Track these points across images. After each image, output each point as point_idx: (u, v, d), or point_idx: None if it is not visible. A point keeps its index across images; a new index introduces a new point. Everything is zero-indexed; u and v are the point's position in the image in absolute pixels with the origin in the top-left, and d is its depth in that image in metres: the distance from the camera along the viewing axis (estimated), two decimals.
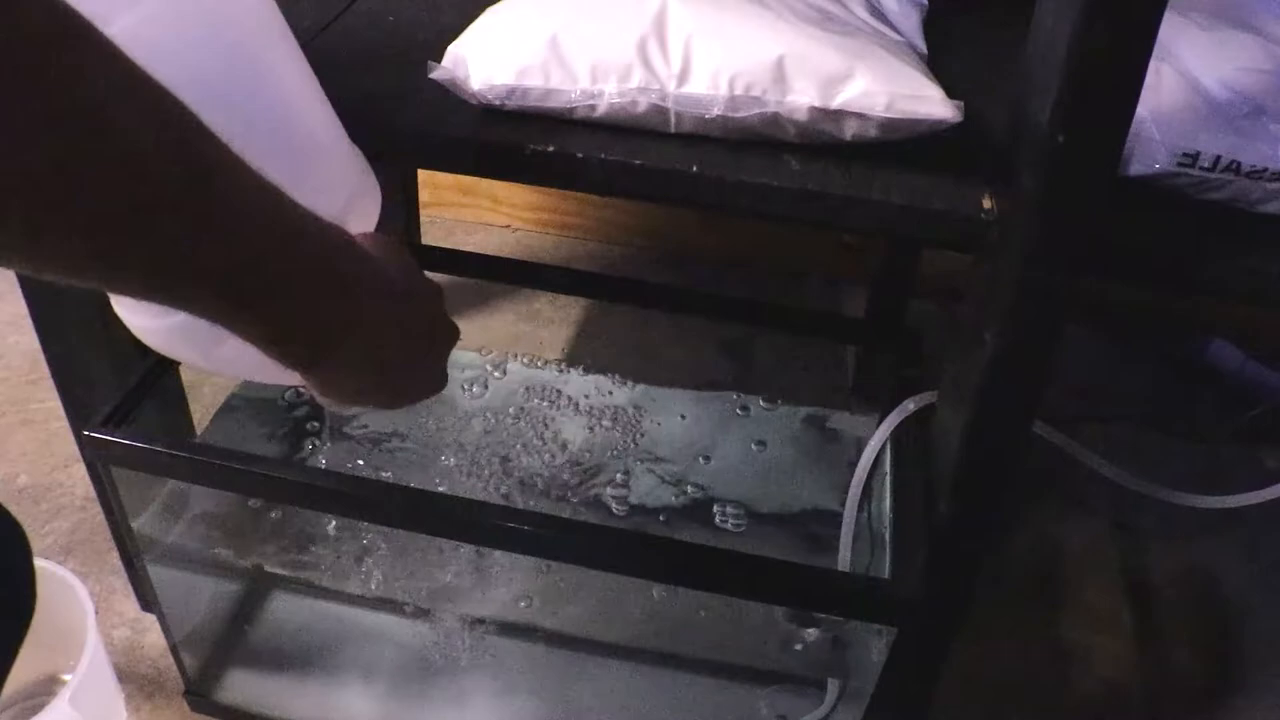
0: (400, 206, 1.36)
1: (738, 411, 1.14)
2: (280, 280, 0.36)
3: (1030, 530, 1.22)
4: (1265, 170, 0.64)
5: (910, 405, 0.83)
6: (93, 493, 1.13)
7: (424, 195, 1.49)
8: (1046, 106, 0.54)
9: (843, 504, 0.89)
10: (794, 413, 1.13)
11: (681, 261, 1.55)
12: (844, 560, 0.87)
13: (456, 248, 1.33)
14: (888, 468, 0.87)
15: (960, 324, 0.71)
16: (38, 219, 0.28)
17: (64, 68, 0.28)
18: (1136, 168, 0.65)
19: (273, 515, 0.98)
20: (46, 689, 0.98)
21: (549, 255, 1.58)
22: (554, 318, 1.46)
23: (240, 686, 0.99)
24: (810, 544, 1.02)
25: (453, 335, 0.52)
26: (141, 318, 0.60)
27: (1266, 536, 1.22)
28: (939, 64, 0.71)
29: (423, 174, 1.45)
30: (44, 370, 0.91)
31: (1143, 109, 0.61)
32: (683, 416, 1.12)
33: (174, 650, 0.95)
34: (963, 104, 0.65)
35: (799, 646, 0.91)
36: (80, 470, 1.18)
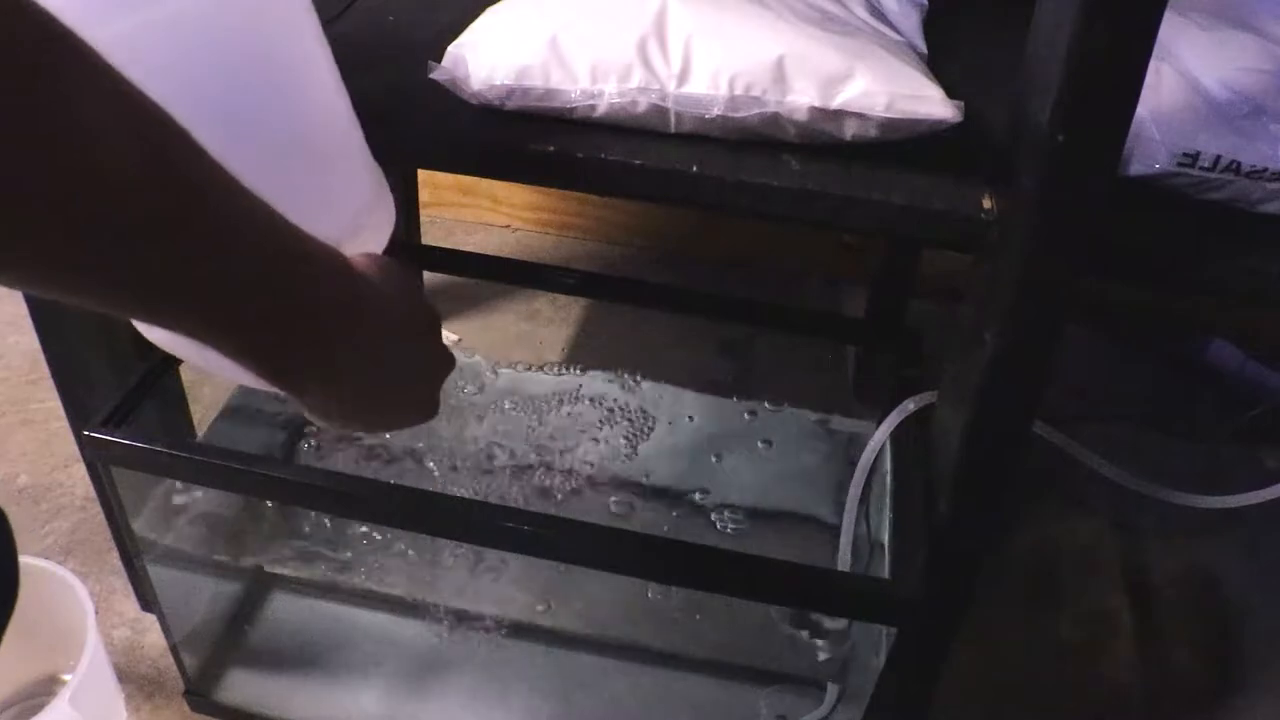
0: (400, 206, 1.36)
1: (739, 412, 1.14)
2: (268, 303, 0.36)
3: (1030, 530, 1.22)
4: (1265, 170, 0.64)
5: (910, 405, 0.83)
6: (93, 493, 1.13)
7: (424, 195, 1.49)
8: (1046, 106, 0.54)
9: (843, 504, 0.89)
10: (794, 413, 1.13)
11: (681, 261, 1.55)
12: (844, 560, 0.87)
13: (456, 248, 1.33)
14: (888, 468, 0.87)
15: (960, 324, 0.71)
16: (15, 236, 0.28)
17: (46, 83, 0.27)
18: (1136, 168, 0.65)
19: (273, 515, 0.98)
20: (46, 689, 0.98)
21: (549, 255, 1.58)
22: (554, 318, 1.46)
23: (240, 686, 0.99)
24: (810, 544, 1.02)
25: (447, 363, 0.51)
26: None
27: (1266, 536, 1.22)
28: (939, 64, 0.71)
29: (423, 174, 1.45)
30: (44, 370, 0.91)
31: (1143, 109, 0.61)
32: (691, 418, 1.12)
33: (174, 650, 0.95)
34: (963, 104, 0.65)
35: (802, 647, 0.91)
36: (80, 470, 1.18)
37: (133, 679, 1.02)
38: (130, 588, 1.07)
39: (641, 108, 0.66)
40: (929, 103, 0.64)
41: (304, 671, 0.99)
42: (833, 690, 0.95)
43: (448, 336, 1.40)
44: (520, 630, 0.99)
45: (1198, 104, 0.68)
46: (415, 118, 0.69)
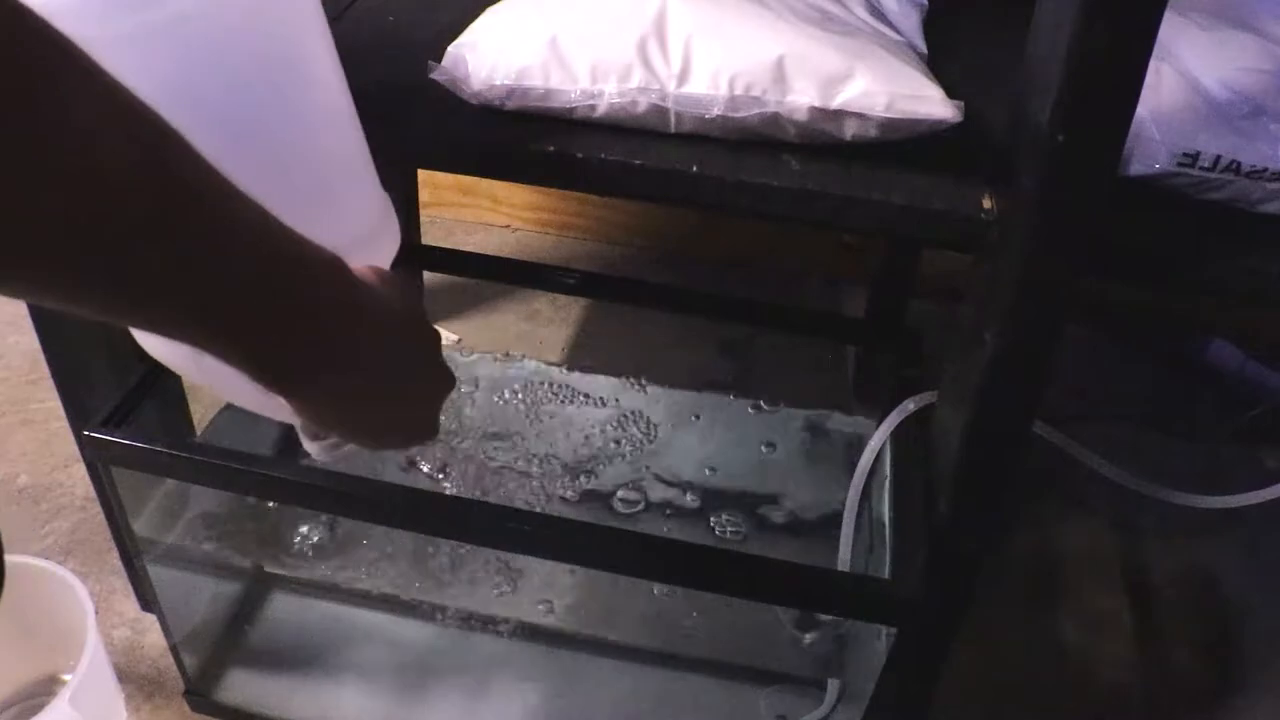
0: (400, 206, 1.36)
1: (740, 412, 1.14)
2: (264, 306, 0.36)
3: (1030, 530, 1.22)
4: (1265, 170, 0.64)
5: (910, 405, 0.83)
6: (93, 493, 1.13)
7: (424, 195, 1.49)
8: (1046, 106, 0.54)
9: (843, 504, 0.89)
10: (794, 413, 1.13)
11: (681, 261, 1.55)
12: (844, 560, 0.87)
13: (456, 248, 1.33)
14: (888, 468, 0.87)
15: (960, 324, 0.71)
16: (9, 240, 0.28)
17: (41, 87, 0.27)
18: (1136, 168, 0.65)
19: (273, 515, 0.98)
20: (46, 689, 0.98)
21: (549, 255, 1.58)
22: (554, 318, 1.46)
23: (240, 686, 0.99)
24: (810, 544, 1.02)
25: (448, 382, 0.51)
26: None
27: (1266, 536, 1.22)
28: (939, 64, 0.71)
29: (423, 174, 1.45)
30: (44, 370, 0.91)
31: (1143, 109, 0.61)
32: (693, 418, 1.12)
33: (174, 650, 0.95)
34: (963, 104, 0.65)
35: (801, 646, 0.91)
36: (80, 470, 1.18)
37: (133, 679, 1.02)
38: (130, 588, 1.07)
39: (641, 108, 0.66)
40: (929, 103, 0.64)
41: (304, 671, 0.99)
42: (833, 690, 0.95)
43: (448, 336, 1.40)
44: (520, 630, 0.99)
45: (1198, 104, 0.68)
46: (415, 118, 0.69)
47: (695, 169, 0.65)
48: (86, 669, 0.85)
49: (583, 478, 1.06)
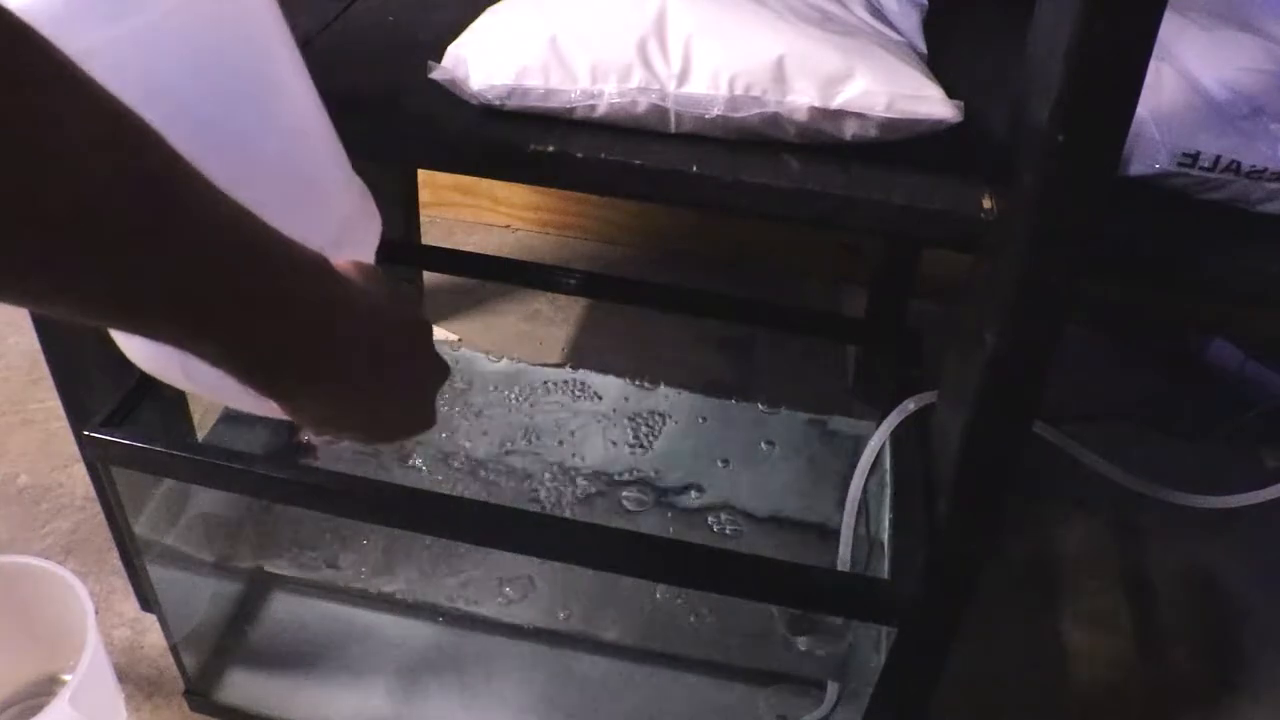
0: (400, 206, 1.36)
1: (739, 412, 1.14)
2: (248, 306, 0.36)
3: (1030, 530, 1.22)
4: (1265, 170, 0.64)
5: (910, 405, 0.83)
6: (93, 493, 1.13)
7: (424, 195, 1.49)
8: (1046, 106, 0.54)
9: (843, 504, 0.89)
10: (794, 413, 1.13)
11: (681, 261, 1.55)
12: (844, 560, 0.87)
13: (456, 248, 1.33)
14: (888, 468, 0.87)
15: (960, 324, 0.71)
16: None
17: (21, 89, 0.27)
18: (1136, 168, 0.65)
19: (272, 515, 0.98)
20: (46, 689, 0.98)
21: (549, 255, 1.58)
22: (554, 318, 1.46)
23: (240, 686, 0.99)
24: (810, 544, 1.02)
25: (441, 372, 0.51)
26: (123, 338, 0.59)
27: (1266, 536, 1.22)
28: (939, 64, 0.71)
29: (423, 174, 1.45)
30: (44, 370, 0.91)
31: (1143, 109, 0.61)
32: (691, 419, 1.12)
33: (174, 650, 0.95)
34: (963, 104, 0.64)
35: (800, 647, 0.91)
36: (80, 470, 1.18)
37: (133, 679, 1.02)
38: (130, 588, 1.07)
39: (641, 108, 0.66)
40: (929, 103, 0.64)
41: (304, 671, 0.99)
42: (833, 690, 0.95)
43: (448, 336, 1.40)
44: (520, 630, 0.99)
45: (1198, 104, 0.68)
46: (415, 118, 0.69)
47: (695, 169, 0.65)
48: (86, 669, 0.85)
49: (584, 479, 1.06)
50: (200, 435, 0.99)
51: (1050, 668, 1.09)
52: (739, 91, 0.65)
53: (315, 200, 0.59)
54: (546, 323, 1.45)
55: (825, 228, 0.68)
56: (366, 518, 0.85)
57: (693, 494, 1.05)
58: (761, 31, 0.66)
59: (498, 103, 0.68)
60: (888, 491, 0.85)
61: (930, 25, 0.78)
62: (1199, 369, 1.41)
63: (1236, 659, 1.11)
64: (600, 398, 1.13)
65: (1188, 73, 0.70)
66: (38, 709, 0.84)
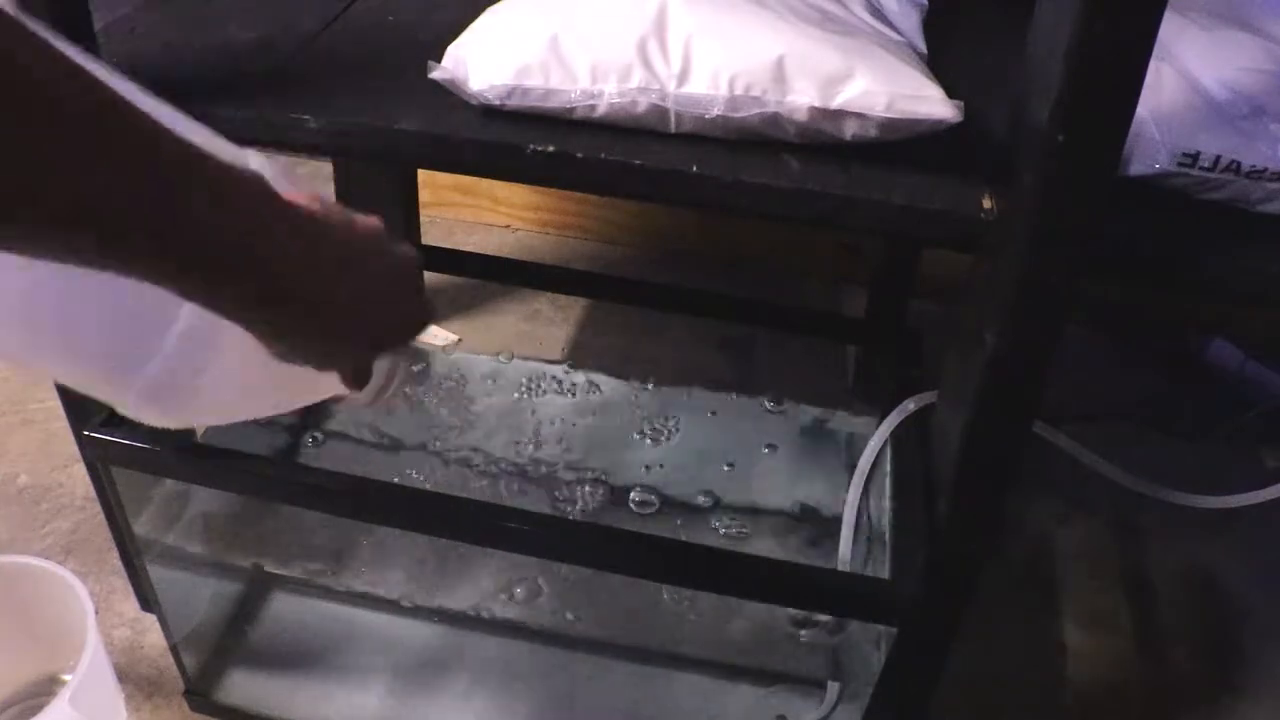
0: (400, 206, 1.36)
1: (739, 412, 1.14)
2: (171, 215, 0.36)
3: (1030, 530, 1.22)
4: (1265, 170, 0.64)
5: (910, 405, 0.83)
6: (93, 493, 1.13)
7: (424, 195, 1.49)
8: (1046, 106, 0.54)
9: (843, 504, 0.89)
10: (795, 414, 1.13)
11: (681, 261, 1.55)
12: (844, 560, 0.87)
13: (456, 248, 1.33)
14: (888, 468, 0.87)
15: (960, 324, 0.71)
16: None
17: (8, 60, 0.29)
18: (1136, 168, 0.65)
19: (273, 515, 0.98)
20: (46, 689, 0.98)
21: (549, 255, 1.58)
22: (554, 318, 1.46)
23: (240, 686, 0.99)
24: (810, 544, 1.02)
25: (408, 262, 0.50)
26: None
27: (1266, 536, 1.22)
28: (939, 64, 0.71)
29: (423, 174, 1.45)
30: None
31: (1143, 109, 0.61)
32: (691, 418, 1.12)
33: (174, 650, 0.95)
34: (963, 104, 0.64)
35: (799, 641, 0.91)
36: (80, 470, 1.18)
37: (133, 679, 1.02)
38: (130, 588, 1.07)
39: (641, 108, 0.66)
40: (929, 103, 0.64)
41: (304, 671, 0.99)
42: (833, 690, 0.95)
43: (448, 337, 1.40)
44: (520, 630, 0.99)
45: (1198, 104, 0.68)
46: (415, 118, 0.69)
47: (695, 169, 0.65)
48: (86, 669, 0.85)
49: (585, 479, 1.06)
50: (200, 435, 0.99)
51: (1050, 668, 1.09)
52: (739, 91, 0.65)
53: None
54: (546, 323, 1.45)
55: (825, 228, 0.68)
56: (366, 518, 0.85)
57: (695, 494, 1.05)
58: (761, 31, 0.66)
59: (498, 103, 0.68)
60: (888, 491, 0.85)
61: (930, 25, 0.78)
62: (1199, 369, 1.41)
63: (1236, 659, 1.11)
64: (601, 398, 1.13)
65: (1188, 73, 0.70)
66: (38, 709, 0.84)
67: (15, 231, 0.33)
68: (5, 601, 0.92)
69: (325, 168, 1.41)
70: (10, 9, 0.32)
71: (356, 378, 0.51)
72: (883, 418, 0.85)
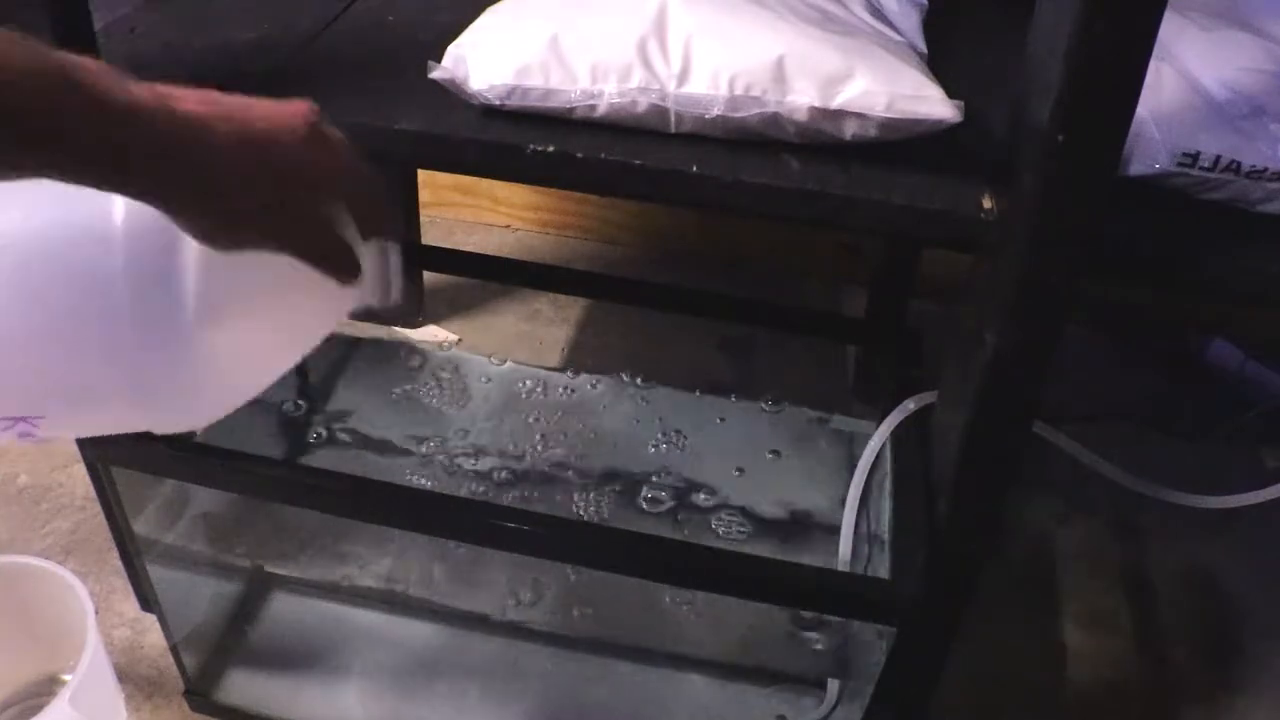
0: (400, 207, 1.36)
1: (739, 412, 1.14)
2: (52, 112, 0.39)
3: (1030, 530, 1.22)
4: (1265, 170, 0.64)
5: (910, 405, 0.83)
6: (93, 493, 1.13)
7: (424, 195, 1.49)
8: (1046, 106, 0.54)
9: (843, 504, 0.89)
10: (795, 413, 1.13)
11: (681, 261, 1.55)
12: (844, 560, 0.87)
13: (456, 248, 1.33)
14: (888, 468, 0.87)
15: (960, 324, 0.71)
16: None
17: None
18: (1136, 168, 0.65)
19: (273, 515, 0.98)
20: (46, 689, 0.98)
21: (549, 255, 1.58)
22: (554, 318, 1.46)
23: (240, 686, 0.99)
24: (810, 544, 1.02)
25: (325, 133, 0.50)
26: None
27: (1266, 536, 1.22)
28: (939, 64, 0.71)
29: (423, 174, 1.45)
30: None
31: (1143, 109, 0.61)
32: (721, 419, 1.11)
33: (174, 650, 0.95)
34: (963, 104, 0.64)
35: (800, 641, 0.91)
36: (80, 470, 1.18)
37: (133, 679, 1.02)
38: (130, 588, 1.07)
39: (641, 108, 0.66)
40: (929, 103, 0.64)
41: (304, 671, 0.99)
42: (833, 690, 0.95)
43: (448, 337, 1.40)
44: (520, 630, 0.99)
45: (1198, 104, 0.68)
46: (415, 118, 0.69)
47: (695, 169, 0.65)
48: (86, 669, 0.85)
49: (586, 480, 1.06)
50: (200, 435, 0.99)
51: (1050, 668, 1.09)
52: (739, 91, 0.65)
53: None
54: (546, 323, 1.45)
55: (825, 228, 0.69)
56: (366, 518, 0.85)
57: (692, 494, 1.05)
58: (761, 31, 0.66)
59: (498, 103, 0.68)
60: (888, 491, 0.85)
61: (930, 25, 0.78)
62: (1199, 369, 1.41)
63: (1237, 659, 1.11)
64: (599, 398, 1.13)
65: (1188, 73, 0.70)
66: (38, 709, 0.84)
67: None
68: (5, 601, 0.92)
69: None
70: None
71: (330, 260, 0.51)
72: (883, 418, 0.85)
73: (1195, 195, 0.66)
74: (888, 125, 0.64)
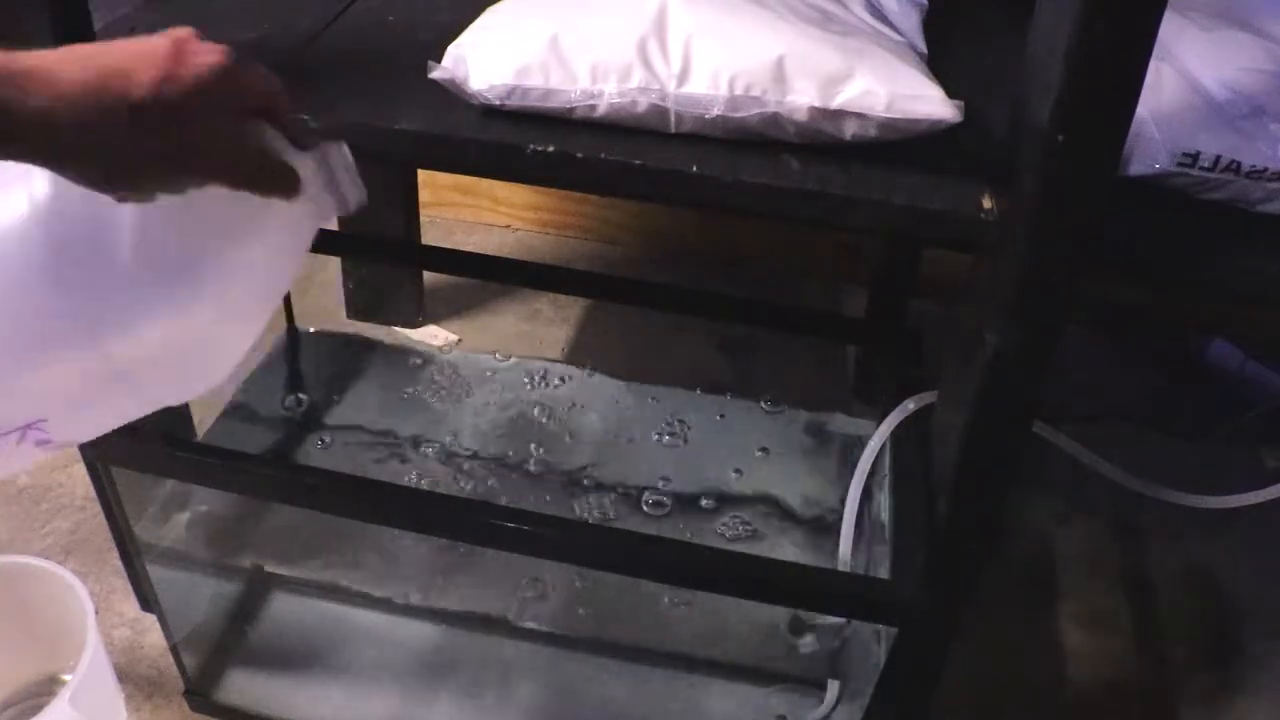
0: (400, 207, 1.36)
1: (740, 413, 1.14)
2: None
3: (1030, 530, 1.22)
4: (1265, 170, 0.64)
5: (910, 405, 0.83)
6: (93, 493, 1.13)
7: (424, 195, 1.49)
8: (1046, 106, 0.54)
9: (843, 504, 0.89)
10: (795, 413, 1.13)
11: (681, 261, 1.55)
12: (844, 560, 0.87)
13: (456, 248, 1.33)
14: (888, 468, 0.87)
15: (960, 324, 0.71)
16: None
17: None
18: (1136, 168, 0.65)
19: (273, 515, 0.98)
20: (46, 689, 0.98)
21: (549, 255, 1.58)
22: (554, 318, 1.46)
23: (240, 686, 0.99)
24: (811, 544, 1.02)
25: (184, 54, 0.50)
26: None
27: (1266, 536, 1.22)
28: (939, 64, 0.71)
29: (423, 174, 1.45)
30: None
31: (1143, 109, 0.61)
32: (721, 416, 1.11)
33: (174, 650, 0.95)
34: (963, 104, 0.64)
35: (796, 650, 0.91)
36: (80, 470, 1.18)
37: (133, 679, 1.02)
38: (130, 588, 1.07)
39: (641, 108, 0.66)
40: (929, 103, 0.64)
41: (304, 671, 0.99)
42: (833, 690, 0.95)
43: (448, 337, 1.40)
44: (520, 630, 0.99)
45: (1198, 104, 0.68)
46: (415, 118, 0.69)
47: (695, 169, 0.65)
48: (86, 669, 0.85)
49: (586, 480, 1.06)
50: (200, 435, 0.99)
51: (1050, 668, 1.09)
52: (739, 91, 0.65)
53: None
54: (546, 323, 1.45)
55: (825, 228, 0.68)
56: (366, 518, 0.85)
57: (692, 494, 1.05)
58: (761, 31, 0.66)
59: (498, 103, 0.68)
60: (888, 492, 0.85)
61: (930, 25, 0.78)
62: (1199, 369, 1.41)
63: (1237, 659, 1.11)
64: (599, 398, 1.13)
65: (1188, 73, 0.70)
66: (38, 709, 0.84)
67: None
68: (5, 601, 0.92)
69: None
70: None
71: (259, 178, 0.49)
72: (883, 418, 0.85)
73: (1195, 195, 0.66)
74: (888, 125, 0.64)
